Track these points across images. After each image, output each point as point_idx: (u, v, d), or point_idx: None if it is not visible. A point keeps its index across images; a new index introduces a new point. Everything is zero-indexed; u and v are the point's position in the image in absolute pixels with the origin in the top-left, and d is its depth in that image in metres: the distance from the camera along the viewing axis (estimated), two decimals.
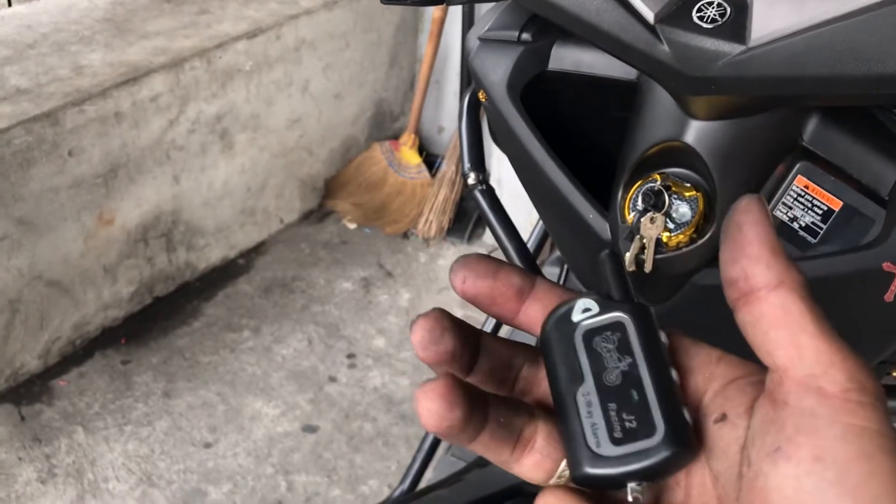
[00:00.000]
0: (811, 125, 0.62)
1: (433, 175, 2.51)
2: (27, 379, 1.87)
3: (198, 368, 1.96)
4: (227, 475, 1.73)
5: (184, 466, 1.74)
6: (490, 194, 0.84)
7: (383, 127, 2.68)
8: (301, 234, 2.42)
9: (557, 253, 1.16)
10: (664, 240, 0.65)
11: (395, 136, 2.64)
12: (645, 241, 0.65)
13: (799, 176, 0.63)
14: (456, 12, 2.42)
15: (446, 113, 2.64)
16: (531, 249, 1.11)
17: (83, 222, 1.85)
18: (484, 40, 0.73)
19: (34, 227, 1.75)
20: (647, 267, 0.66)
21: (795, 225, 0.64)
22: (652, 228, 0.65)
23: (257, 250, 2.34)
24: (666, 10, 0.53)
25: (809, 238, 0.64)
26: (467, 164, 0.84)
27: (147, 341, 2.01)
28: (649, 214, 0.65)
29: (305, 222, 2.47)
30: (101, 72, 1.83)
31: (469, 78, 0.77)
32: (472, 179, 0.84)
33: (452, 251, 2.36)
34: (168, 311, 2.10)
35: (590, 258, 0.83)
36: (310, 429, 1.83)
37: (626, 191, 0.67)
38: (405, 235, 2.43)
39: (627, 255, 0.66)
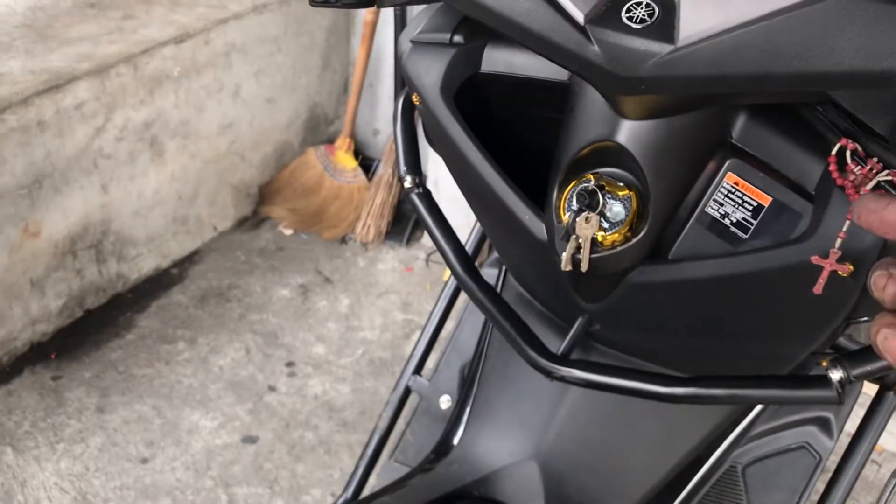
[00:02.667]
0: (739, 122, 0.63)
1: (370, 178, 2.49)
2: None
3: (132, 382, 1.91)
4: (166, 490, 1.68)
5: (120, 483, 1.69)
6: (427, 197, 0.83)
7: (318, 131, 2.65)
8: (236, 242, 2.38)
9: (496, 254, 1.16)
10: (599, 239, 0.65)
11: (330, 141, 2.62)
12: (580, 240, 0.66)
13: (729, 173, 0.64)
14: (388, 15, 2.41)
15: (381, 116, 2.62)
16: (470, 252, 1.11)
17: (7, 235, 1.79)
18: (416, 43, 0.73)
19: None
20: (584, 266, 0.66)
21: (727, 221, 0.65)
22: (587, 228, 0.65)
23: (191, 259, 2.29)
24: (595, 11, 0.53)
25: (741, 234, 0.65)
26: (403, 168, 0.83)
27: (79, 356, 1.95)
28: (584, 214, 0.65)
29: (240, 230, 2.43)
30: (21, 79, 1.77)
31: (403, 81, 0.77)
32: (408, 183, 0.83)
33: (391, 255, 2.35)
34: (100, 324, 2.05)
35: (527, 259, 0.83)
36: (250, 440, 1.80)
37: (561, 191, 0.67)
38: (343, 240, 2.41)
39: (563, 254, 0.66)
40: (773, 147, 0.62)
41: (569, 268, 0.67)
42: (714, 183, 0.65)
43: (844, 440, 1.01)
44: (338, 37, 2.58)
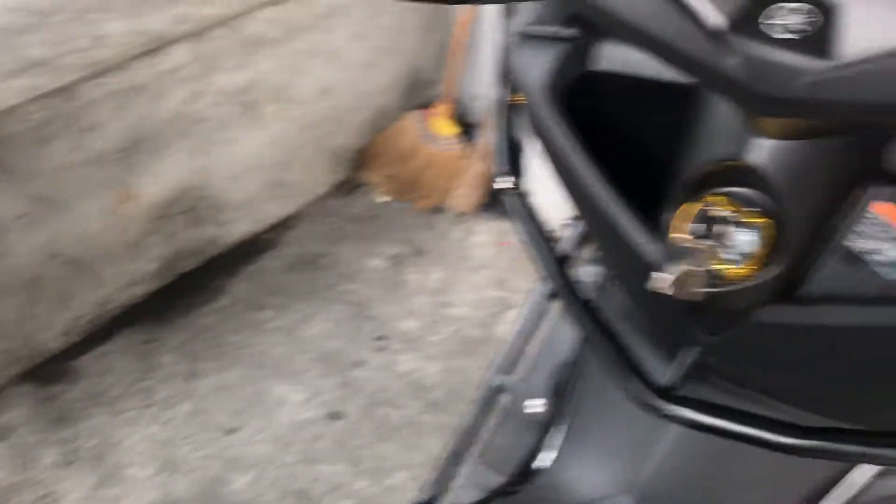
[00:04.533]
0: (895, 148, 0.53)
1: (468, 146, 2.41)
2: (48, 358, 1.84)
3: (222, 349, 1.91)
4: (251, 463, 1.68)
5: (206, 453, 1.69)
6: (522, 199, 0.76)
7: (417, 96, 2.58)
8: (330, 208, 2.35)
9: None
10: (721, 272, 0.56)
11: (430, 105, 2.54)
12: (700, 271, 0.57)
13: (877, 203, 0.54)
14: None
15: (482, 81, 2.53)
16: (569, 250, 1.03)
17: (103, 199, 1.79)
18: (523, 35, 0.64)
19: (52, 204, 1.70)
20: (692, 298, 0.58)
21: (875, 258, 0.55)
22: (705, 258, 0.56)
23: (285, 225, 2.27)
24: (735, 15, 0.43)
25: (887, 273, 0.55)
26: (499, 167, 0.76)
27: (171, 319, 1.96)
28: (708, 242, 0.56)
29: (335, 195, 2.39)
30: (119, 42, 1.76)
31: (504, 73, 0.69)
32: (502, 182, 0.76)
33: (487, 228, 2.27)
34: (192, 288, 2.05)
35: (637, 278, 0.74)
36: (336, 415, 1.78)
37: (681, 211, 0.59)
38: (438, 210, 2.35)
39: (667, 280, 0.57)
40: None
41: (671, 296, 0.58)
42: (858, 213, 0.55)
43: None
44: None
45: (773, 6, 0.43)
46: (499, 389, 1.15)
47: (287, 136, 2.18)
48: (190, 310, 1.99)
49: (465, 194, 2.32)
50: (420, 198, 2.37)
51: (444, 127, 2.44)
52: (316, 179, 2.35)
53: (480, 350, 1.91)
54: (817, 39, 0.41)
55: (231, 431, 1.74)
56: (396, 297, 2.06)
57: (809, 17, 0.42)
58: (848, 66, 0.41)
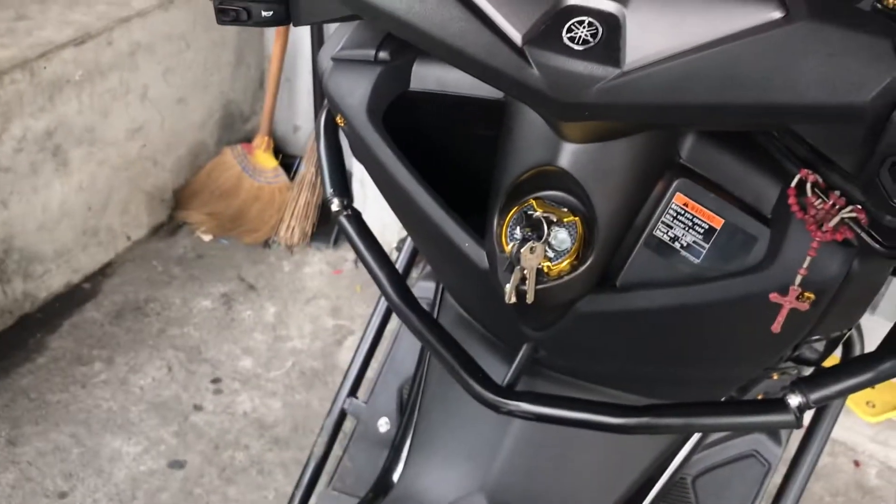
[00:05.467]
0: (689, 142, 0.59)
1: (292, 178, 2.40)
2: None
3: (46, 409, 1.79)
4: None
5: None
6: (356, 219, 0.78)
7: (234, 130, 2.55)
8: (152, 251, 2.26)
9: (430, 268, 1.11)
10: (545, 269, 0.61)
11: (248, 139, 2.51)
12: (525, 271, 0.61)
13: (678, 194, 0.60)
14: None
15: (301, 112, 2.53)
16: (402, 269, 1.06)
17: None
18: (338, 60, 0.66)
19: None
20: (529, 298, 0.62)
21: (677, 245, 0.61)
22: (532, 258, 0.60)
23: (104, 273, 2.17)
24: (534, 31, 0.48)
25: (692, 258, 0.61)
26: (329, 190, 0.77)
27: None
28: (529, 244, 0.60)
29: (155, 238, 2.31)
30: None
31: (324, 98, 0.70)
32: (335, 206, 0.77)
33: (318, 257, 2.27)
34: (7, 348, 1.91)
35: (466, 284, 0.78)
36: (177, 464, 1.71)
37: (502, 217, 0.63)
38: (266, 244, 2.32)
39: (507, 286, 0.61)
40: (724, 168, 0.58)
41: (513, 300, 0.62)
42: (662, 205, 0.61)
43: (794, 441, 0.99)
44: (251, 30, 2.47)
45: (567, 21, 0.48)
46: (344, 414, 1.15)
47: (98, 179, 2.09)
48: (8, 371, 1.86)
49: (292, 226, 2.31)
50: (247, 233, 2.34)
51: (266, 159, 2.42)
52: (134, 222, 2.27)
53: (321, 381, 1.90)
54: (605, 50, 0.46)
55: (63, 496, 1.63)
56: (230, 336, 2.02)
57: (598, 30, 0.47)
58: (631, 72, 0.46)
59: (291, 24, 0.53)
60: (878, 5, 0.43)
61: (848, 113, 0.41)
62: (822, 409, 0.93)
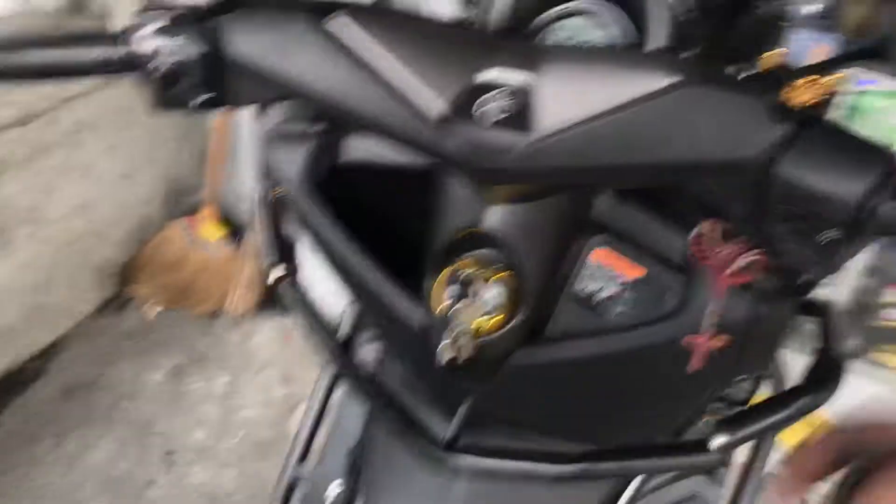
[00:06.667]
0: (602, 200, 0.64)
1: (238, 248, 2.41)
2: None
3: None
4: None
5: None
6: (298, 290, 0.80)
7: (180, 203, 2.56)
8: (100, 327, 2.25)
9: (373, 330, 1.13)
10: (477, 326, 0.64)
11: (194, 211, 2.53)
12: (459, 329, 0.64)
13: (595, 249, 0.64)
14: None
15: (245, 181, 2.56)
16: (346, 333, 1.08)
17: None
18: (275, 133, 0.70)
19: None
20: (464, 355, 0.65)
21: (597, 297, 0.65)
22: (465, 316, 0.64)
23: (52, 350, 2.15)
24: (449, 105, 0.52)
25: (613, 308, 0.65)
26: (268, 260, 0.80)
27: None
28: (461, 303, 0.63)
29: (104, 313, 2.30)
30: None
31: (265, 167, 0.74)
32: (275, 274, 0.80)
33: (268, 326, 2.28)
34: None
35: (406, 344, 0.80)
36: None
37: (436, 279, 0.66)
38: (215, 315, 2.32)
39: (442, 345, 0.64)
40: (636, 222, 0.63)
41: (450, 358, 0.65)
42: (580, 259, 0.65)
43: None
44: None
45: (481, 95, 0.52)
46: (295, 481, 1.15)
47: (43, 257, 2.08)
48: None
49: (241, 295, 2.32)
50: (195, 305, 2.34)
51: (212, 231, 2.44)
52: (81, 298, 2.25)
53: (275, 450, 1.89)
54: (517, 119, 0.50)
55: None
56: (182, 408, 2.00)
57: (509, 102, 0.51)
58: (542, 139, 0.50)
59: (229, 109, 0.57)
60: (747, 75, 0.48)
61: (738, 168, 0.46)
62: (757, 446, 0.97)
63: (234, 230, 2.47)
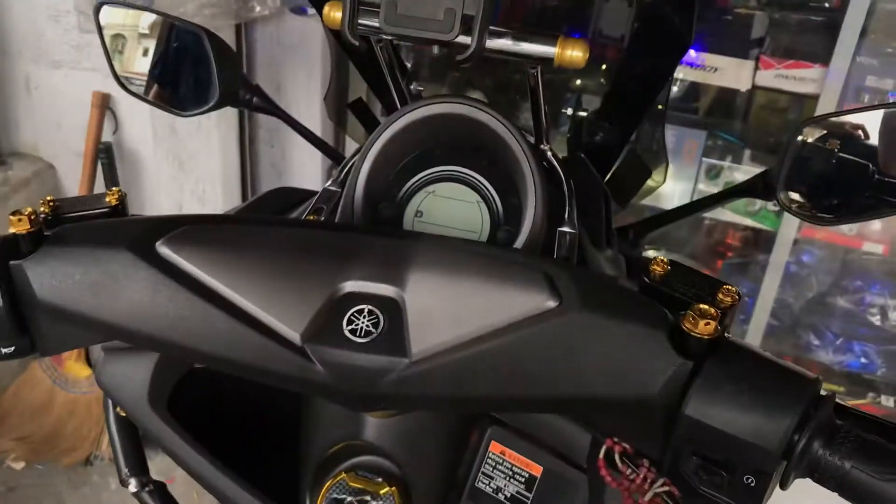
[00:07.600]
0: None
1: None
2: None
3: None
4: None
5: None
6: (160, 493, 0.71)
7: None
8: None
9: None
10: None
11: None
12: None
13: (493, 442, 0.58)
14: None
15: None
16: None
17: None
18: (111, 350, 0.61)
19: None
20: None
21: (500, 496, 0.59)
22: None
23: None
24: (313, 327, 0.45)
25: None
26: (125, 471, 0.71)
27: None
28: None
29: None
30: None
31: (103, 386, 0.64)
32: (133, 486, 0.71)
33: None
34: None
35: None
36: None
37: (315, 495, 0.58)
38: (88, 462, 2.13)
39: None
40: (533, 419, 0.57)
41: None
42: (479, 455, 0.59)
43: None
44: None
45: (347, 313, 0.45)
46: None
47: None
48: None
49: None
50: (64, 453, 2.14)
51: (78, 369, 2.26)
52: None
53: None
54: (389, 339, 0.44)
55: None
56: None
57: (378, 319, 0.44)
58: (418, 362, 0.43)
59: (40, 356, 0.48)
60: (646, 279, 0.43)
61: (639, 405, 0.40)
62: None
63: None
